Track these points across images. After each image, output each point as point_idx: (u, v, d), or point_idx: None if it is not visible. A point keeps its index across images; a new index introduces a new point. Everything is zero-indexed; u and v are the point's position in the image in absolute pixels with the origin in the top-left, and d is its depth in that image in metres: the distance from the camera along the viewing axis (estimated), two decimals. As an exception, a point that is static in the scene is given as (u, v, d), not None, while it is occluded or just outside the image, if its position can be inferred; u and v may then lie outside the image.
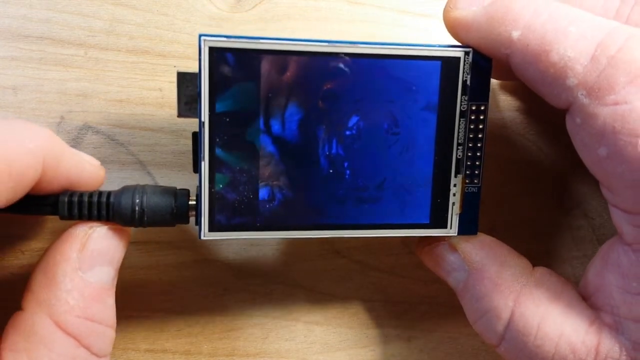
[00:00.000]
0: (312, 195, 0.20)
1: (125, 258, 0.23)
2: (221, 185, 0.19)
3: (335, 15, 0.25)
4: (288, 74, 0.19)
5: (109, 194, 0.19)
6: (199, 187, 0.19)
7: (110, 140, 0.23)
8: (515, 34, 0.19)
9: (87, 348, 0.18)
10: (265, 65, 0.19)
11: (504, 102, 0.26)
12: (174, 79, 0.19)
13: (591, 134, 0.18)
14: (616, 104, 0.17)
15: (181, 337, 0.24)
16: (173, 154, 0.23)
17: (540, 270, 0.21)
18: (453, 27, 0.21)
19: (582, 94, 0.18)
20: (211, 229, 0.19)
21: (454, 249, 0.22)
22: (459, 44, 0.20)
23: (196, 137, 0.19)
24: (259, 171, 0.19)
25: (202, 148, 0.19)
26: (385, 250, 0.25)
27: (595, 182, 0.26)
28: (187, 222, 0.20)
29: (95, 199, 0.19)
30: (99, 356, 0.18)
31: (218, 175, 0.19)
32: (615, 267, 0.19)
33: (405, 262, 0.25)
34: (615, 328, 0.19)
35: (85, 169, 0.20)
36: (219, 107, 0.19)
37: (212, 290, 0.24)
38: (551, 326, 0.20)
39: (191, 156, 0.20)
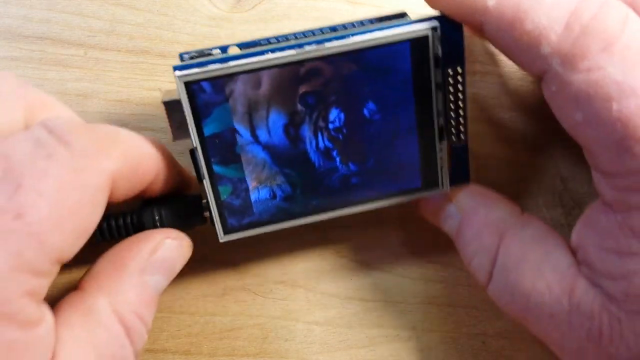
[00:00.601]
0: (309, 186, 0.21)
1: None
2: (226, 196, 0.21)
3: (335, 15, 0.25)
4: (263, 87, 0.20)
5: (131, 214, 0.21)
6: (207, 199, 0.21)
7: (110, 140, 0.23)
8: (490, 2, 0.19)
9: (131, 343, 0.19)
10: (240, 85, 0.19)
11: (504, 102, 0.26)
12: (175, 79, 0.19)
13: (567, 100, 0.18)
14: (589, 70, 0.17)
15: (181, 337, 0.24)
16: (173, 153, 0.23)
17: (529, 215, 0.22)
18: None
19: (556, 62, 0.18)
20: (226, 233, 0.21)
21: (448, 199, 0.23)
22: (426, 17, 0.20)
23: (193, 154, 0.20)
24: (255, 177, 0.21)
25: (201, 168, 0.20)
26: (386, 250, 0.25)
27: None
28: (205, 222, 0.22)
29: (121, 222, 0.21)
30: (135, 354, 0.19)
31: (221, 188, 0.21)
32: (594, 226, 0.20)
33: (405, 262, 0.25)
34: (592, 281, 0.19)
35: (184, 179, 0.22)
36: (207, 131, 0.20)
37: (212, 290, 0.24)
38: (531, 264, 0.20)
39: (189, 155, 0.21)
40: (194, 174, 0.21)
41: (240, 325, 0.24)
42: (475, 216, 0.22)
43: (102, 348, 0.18)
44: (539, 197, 0.26)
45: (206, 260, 0.24)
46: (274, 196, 0.21)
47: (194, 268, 0.24)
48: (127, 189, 0.19)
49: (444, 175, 0.22)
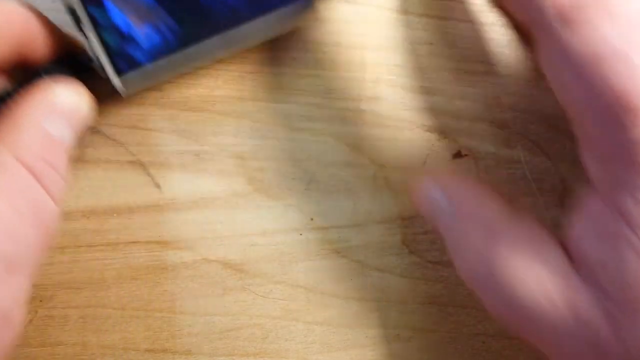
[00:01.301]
0: (193, 16, 0.21)
1: (125, 258, 0.24)
2: (112, 42, 0.21)
3: (335, 15, 0.25)
4: None
5: (19, 84, 0.21)
6: (92, 50, 0.21)
7: (110, 140, 0.23)
8: None
9: (44, 187, 0.19)
10: None
11: (505, 102, 0.26)
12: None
13: (559, 60, 0.18)
14: (585, 30, 0.17)
15: (181, 337, 0.24)
16: (173, 154, 0.23)
17: (520, 212, 0.21)
18: None
19: (554, 20, 0.18)
20: (120, 75, 0.21)
21: (440, 188, 0.22)
22: None
23: (71, 9, 0.20)
24: (137, 17, 0.21)
25: (83, 18, 0.20)
26: (385, 250, 0.25)
27: (595, 182, 0.26)
28: (91, 76, 0.21)
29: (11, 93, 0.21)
30: (54, 199, 0.20)
31: (105, 35, 0.21)
32: (583, 214, 0.19)
33: (405, 262, 0.25)
34: (585, 276, 0.19)
35: (70, 44, 0.22)
36: None
37: (212, 290, 0.24)
38: (522, 264, 0.19)
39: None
40: (74, 32, 0.21)
41: (240, 325, 0.24)
42: (465, 211, 0.21)
43: (13, 196, 0.18)
44: (539, 197, 0.26)
45: (206, 260, 0.24)
46: (160, 32, 0.21)
47: (194, 268, 0.24)
48: None
49: None
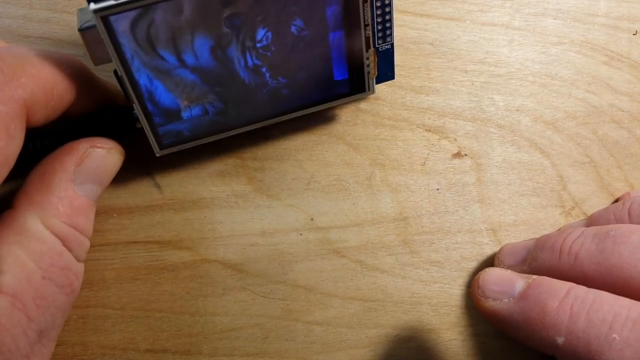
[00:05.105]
0: (240, 100, 0.21)
1: (125, 258, 0.24)
2: (158, 118, 0.21)
3: (335, 15, 0.25)
4: (186, 12, 0.19)
5: (57, 135, 0.21)
6: (140, 122, 0.21)
7: (110, 140, 0.23)
8: (560, 340, 0.19)
9: (70, 250, 0.20)
10: (161, 14, 0.19)
11: (502, 102, 0.26)
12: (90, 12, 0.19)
13: None
14: None
15: (181, 337, 0.24)
16: (174, 154, 0.23)
17: None
18: (487, 317, 0.22)
19: None
20: (162, 148, 0.22)
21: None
22: None
23: (119, 77, 0.20)
24: (186, 97, 0.21)
25: (130, 95, 0.20)
26: (385, 250, 0.25)
27: (595, 182, 0.26)
28: (138, 132, 0.22)
29: (47, 142, 0.21)
30: (77, 260, 0.20)
31: (152, 113, 0.21)
32: None
33: (405, 262, 0.25)
34: None
35: (111, 93, 0.22)
36: (134, 65, 0.19)
37: (212, 290, 0.24)
38: None
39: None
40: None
41: (240, 325, 0.24)
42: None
43: (41, 259, 0.19)
44: (539, 197, 0.26)
45: (206, 260, 0.24)
46: (206, 112, 0.21)
47: (194, 268, 0.24)
48: (45, 113, 0.19)
49: (371, 80, 0.23)
